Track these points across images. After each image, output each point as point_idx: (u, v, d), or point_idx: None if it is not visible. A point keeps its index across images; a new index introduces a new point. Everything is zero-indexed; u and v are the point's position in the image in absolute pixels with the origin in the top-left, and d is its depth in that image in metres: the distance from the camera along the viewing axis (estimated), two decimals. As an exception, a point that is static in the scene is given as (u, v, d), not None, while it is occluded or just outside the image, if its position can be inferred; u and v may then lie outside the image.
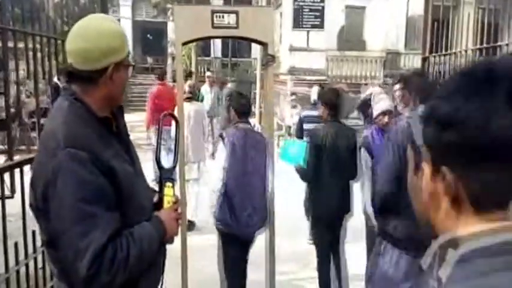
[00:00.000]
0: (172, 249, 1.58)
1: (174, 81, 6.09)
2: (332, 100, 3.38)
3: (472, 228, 0.63)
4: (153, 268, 1.41)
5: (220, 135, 3.05)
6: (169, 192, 1.47)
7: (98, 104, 1.35)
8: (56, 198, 1.20)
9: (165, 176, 1.49)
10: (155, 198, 1.48)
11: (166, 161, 1.59)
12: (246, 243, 2.96)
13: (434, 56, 3.78)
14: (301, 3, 15.34)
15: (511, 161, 0.59)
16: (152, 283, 1.43)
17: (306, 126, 4.93)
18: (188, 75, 8.18)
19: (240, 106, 3.03)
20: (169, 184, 1.47)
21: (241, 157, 2.83)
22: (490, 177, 0.61)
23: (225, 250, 2.98)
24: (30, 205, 1.32)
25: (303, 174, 3.33)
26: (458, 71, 0.69)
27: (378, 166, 2.56)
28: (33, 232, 2.25)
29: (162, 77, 7.30)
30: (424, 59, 3.96)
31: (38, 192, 1.25)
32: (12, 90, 2.49)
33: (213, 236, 3.73)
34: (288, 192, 4.63)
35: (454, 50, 3.56)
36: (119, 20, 21.00)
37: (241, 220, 2.83)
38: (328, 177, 3.20)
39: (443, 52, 3.63)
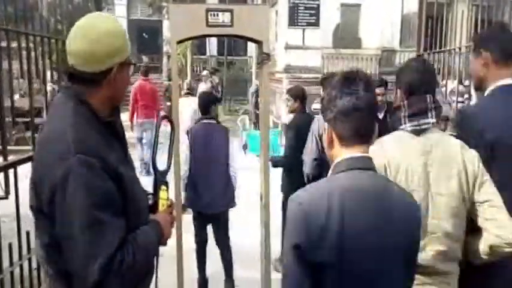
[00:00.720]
0: (167, 250, 1.58)
1: (170, 79, 6.73)
2: (302, 95, 3.99)
3: (340, 154, 1.26)
4: (148, 272, 1.43)
5: (187, 132, 3.53)
6: (164, 196, 1.49)
7: (101, 105, 1.34)
8: (65, 203, 1.19)
9: (160, 179, 1.50)
10: (150, 201, 1.49)
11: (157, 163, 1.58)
12: (213, 220, 3.46)
13: (429, 53, 3.79)
14: (296, 2, 15.34)
15: (350, 121, 1.23)
16: (147, 284, 1.46)
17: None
18: (213, 73, 8.35)
19: (201, 106, 3.60)
20: (164, 187, 1.49)
21: (203, 149, 3.31)
22: (342, 127, 1.25)
23: (194, 225, 3.47)
24: (31, 207, 1.31)
25: (281, 161, 3.88)
26: (338, 77, 1.30)
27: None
28: (28, 233, 2.24)
29: (145, 73, 7.63)
30: (419, 57, 3.97)
31: (43, 195, 1.24)
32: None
33: (209, 235, 3.73)
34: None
35: (448, 47, 3.58)
36: None
37: (205, 201, 3.32)
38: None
39: (438, 49, 3.65)
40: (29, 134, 6.81)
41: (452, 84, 3.81)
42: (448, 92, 4.17)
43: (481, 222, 1.59)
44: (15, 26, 2.33)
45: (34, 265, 2.35)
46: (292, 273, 1.14)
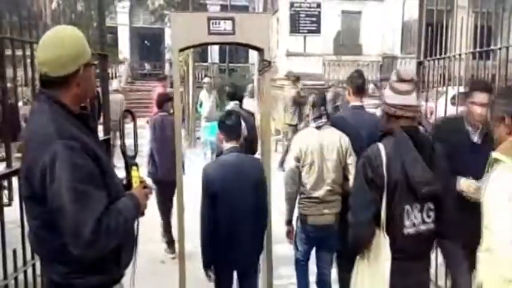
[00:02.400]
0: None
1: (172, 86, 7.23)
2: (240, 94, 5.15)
3: (226, 145, 2.79)
4: (130, 239, 1.66)
5: (147, 121, 4.78)
6: (136, 174, 1.75)
7: (72, 101, 1.55)
8: (55, 182, 1.39)
9: (130, 161, 1.77)
10: (124, 182, 1.74)
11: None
12: (170, 187, 4.20)
13: (429, 60, 3.81)
14: (297, 9, 15.44)
15: (229, 131, 2.79)
16: (129, 254, 1.68)
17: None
18: (296, 80, 9.23)
19: (158, 102, 4.93)
20: (135, 168, 1.76)
21: (160, 133, 4.56)
22: (225, 133, 2.79)
23: (157, 193, 4.41)
24: (25, 197, 1.49)
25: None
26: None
27: None
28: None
29: (161, 79, 9.58)
30: (419, 63, 3.99)
31: (34, 180, 1.42)
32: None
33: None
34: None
35: (448, 54, 3.60)
36: (115, 27, 20.63)
37: (163, 172, 4.45)
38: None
39: (438, 56, 3.67)
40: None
41: (452, 90, 3.83)
42: (449, 98, 4.18)
43: (348, 175, 3.00)
44: (19, 34, 2.37)
45: (38, 271, 2.36)
46: (204, 199, 2.62)
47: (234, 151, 2.70)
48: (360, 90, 3.21)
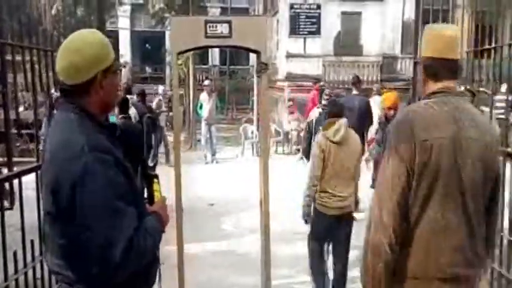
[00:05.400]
0: (168, 257, 1.63)
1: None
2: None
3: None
4: (156, 258, 1.60)
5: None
6: (157, 188, 1.71)
7: (96, 110, 1.47)
8: (86, 197, 1.31)
9: (151, 173, 1.73)
10: (145, 194, 1.69)
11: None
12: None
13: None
14: (297, 11, 15.46)
15: None
16: (155, 273, 1.60)
17: None
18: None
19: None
20: (156, 180, 1.72)
21: None
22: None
23: None
24: (48, 213, 1.39)
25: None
26: None
27: None
28: (32, 242, 2.28)
29: (315, 83, 10.79)
30: (416, 63, 4.01)
31: (62, 195, 1.33)
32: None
33: (210, 243, 3.77)
34: (283, 197, 4.65)
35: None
36: (117, 31, 20.60)
37: None
38: None
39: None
40: (32, 145, 6.88)
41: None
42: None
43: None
44: (19, 40, 2.40)
45: (38, 274, 2.39)
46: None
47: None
48: (353, 84, 6.21)
